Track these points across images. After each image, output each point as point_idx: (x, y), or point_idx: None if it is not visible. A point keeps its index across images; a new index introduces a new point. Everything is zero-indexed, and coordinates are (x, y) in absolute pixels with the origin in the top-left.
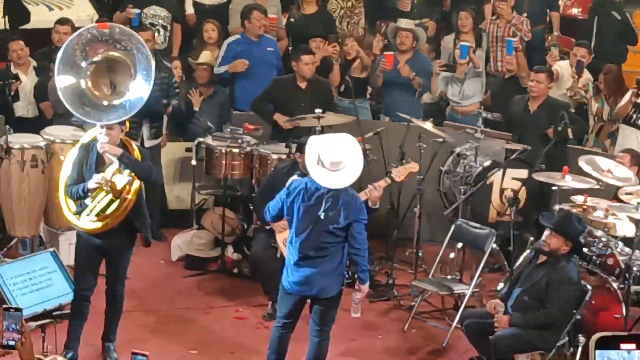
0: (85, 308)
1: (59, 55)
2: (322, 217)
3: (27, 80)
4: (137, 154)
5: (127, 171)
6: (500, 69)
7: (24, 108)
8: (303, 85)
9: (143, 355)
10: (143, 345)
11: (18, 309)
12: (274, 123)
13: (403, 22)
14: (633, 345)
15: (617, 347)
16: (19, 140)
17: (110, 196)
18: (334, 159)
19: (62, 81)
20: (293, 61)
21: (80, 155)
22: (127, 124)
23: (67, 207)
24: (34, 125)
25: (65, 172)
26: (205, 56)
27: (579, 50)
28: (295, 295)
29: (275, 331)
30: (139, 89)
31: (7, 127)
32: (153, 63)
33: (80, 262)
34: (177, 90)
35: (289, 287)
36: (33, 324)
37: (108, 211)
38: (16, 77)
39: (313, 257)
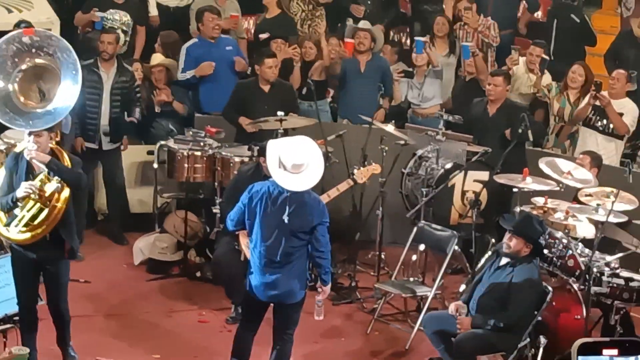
0: (33, 319)
1: None
2: (286, 221)
3: None
4: (67, 161)
5: (56, 178)
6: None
7: None
8: (266, 88)
9: None
10: (106, 350)
11: None
12: (238, 125)
13: (361, 22)
14: (615, 351)
15: (600, 353)
16: None
17: (38, 205)
18: (295, 161)
19: None
20: (256, 65)
21: (10, 165)
22: (58, 132)
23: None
24: None
25: None
26: (157, 58)
27: (534, 49)
28: (259, 300)
29: (238, 334)
30: (66, 94)
31: None
32: (79, 66)
33: (17, 277)
34: (138, 95)
35: (254, 291)
36: None
37: (37, 220)
38: None
39: (278, 261)
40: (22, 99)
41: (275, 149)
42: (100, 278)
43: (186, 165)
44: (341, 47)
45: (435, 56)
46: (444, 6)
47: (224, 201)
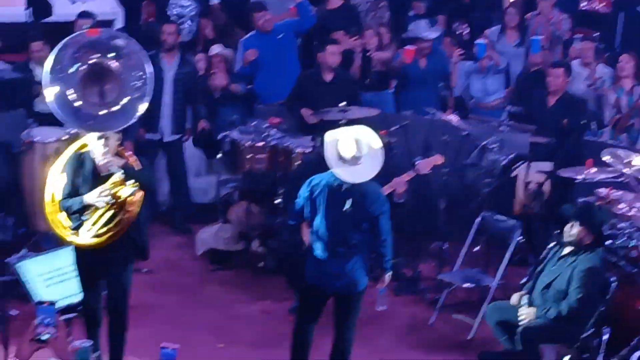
0: (98, 318)
1: (49, 64)
2: (348, 212)
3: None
4: (137, 164)
5: (130, 182)
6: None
7: (44, 103)
8: (328, 78)
9: (173, 348)
10: (168, 339)
11: (52, 303)
12: (300, 116)
13: (424, 33)
14: None
15: None
16: (41, 133)
17: (111, 209)
18: (354, 152)
19: (52, 92)
20: (318, 53)
21: (73, 167)
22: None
23: (60, 223)
24: (55, 119)
25: (54, 184)
26: (215, 48)
27: (586, 43)
28: (321, 291)
29: (299, 325)
30: (136, 101)
31: (30, 120)
32: (149, 68)
33: (82, 277)
34: (200, 87)
35: (316, 282)
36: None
37: (110, 225)
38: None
39: (341, 252)
40: (86, 101)
41: (334, 140)
42: (163, 268)
43: (249, 155)
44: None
45: (498, 56)
46: None
47: (288, 191)
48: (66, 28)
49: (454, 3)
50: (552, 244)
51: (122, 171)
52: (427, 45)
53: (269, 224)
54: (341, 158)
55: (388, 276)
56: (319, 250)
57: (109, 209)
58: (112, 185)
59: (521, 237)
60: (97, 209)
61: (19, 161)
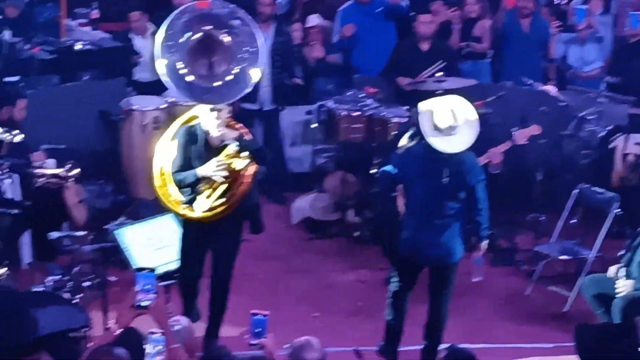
0: (198, 288)
1: (160, 37)
2: (444, 182)
3: (146, 44)
4: (248, 134)
5: (244, 154)
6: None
7: (143, 72)
8: (425, 47)
9: (263, 315)
10: (263, 307)
11: (152, 270)
12: (397, 85)
13: None
14: None
15: None
16: (140, 102)
17: (225, 182)
18: (449, 122)
19: (162, 64)
20: (413, 23)
21: (184, 140)
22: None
23: (171, 196)
24: (154, 87)
25: (162, 157)
26: (313, 19)
27: None
28: (416, 261)
29: (394, 295)
30: (247, 69)
31: (129, 89)
32: (260, 39)
33: (185, 252)
34: (296, 56)
35: (411, 252)
36: None
37: (225, 198)
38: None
39: (436, 222)
40: (197, 73)
41: (428, 110)
42: (258, 237)
43: (345, 125)
44: None
45: (596, 23)
46: None
47: (383, 161)
48: None
49: None
50: None
51: (237, 143)
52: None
53: (364, 193)
54: (437, 128)
55: (484, 245)
56: (414, 219)
57: (222, 183)
58: (227, 157)
59: (619, 209)
60: (211, 181)
61: (118, 129)
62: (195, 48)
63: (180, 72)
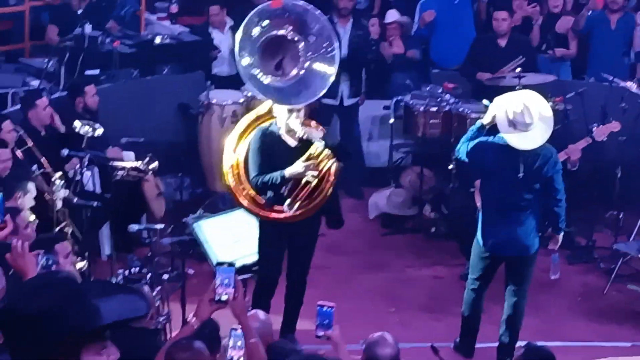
0: (275, 286)
1: (239, 35)
2: (520, 176)
3: (224, 39)
4: (323, 130)
5: (326, 152)
6: None
7: (222, 66)
8: (503, 42)
9: (330, 306)
10: (339, 301)
11: (231, 264)
12: (475, 81)
13: None
14: None
15: None
16: (219, 96)
17: (311, 182)
18: (525, 119)
19: (244, 63)
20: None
21: (262, 141)
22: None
23: (249, 196)
24: (232, 82)
25: (234, 155)
26: (392, 15)
27: None
28: (493, 255)
29: (470, 291)
30: (321, 70)
31: (208, 82)
32: (336, 42)
33: (265, 250)
34: (373, 48)
35: (487, 247)
36: None
37: (314, 196)
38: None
39: (513, 215)
40: (263, 73)
41: (503, 106)
42: (334, 231)
43: (422, 120)
44: None
45: None
46: None
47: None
48: None
49: None
50: None
51: (323, 142)
52: None
53: (441, 189)
54: (512, 124)
55: (560, 237)
56: (490, 213)
57: (309, 183)
58: (314, 156)
59: None
60: (298, 181)
61: (197, 123)
62: (271, 48)
63: (258, 77)
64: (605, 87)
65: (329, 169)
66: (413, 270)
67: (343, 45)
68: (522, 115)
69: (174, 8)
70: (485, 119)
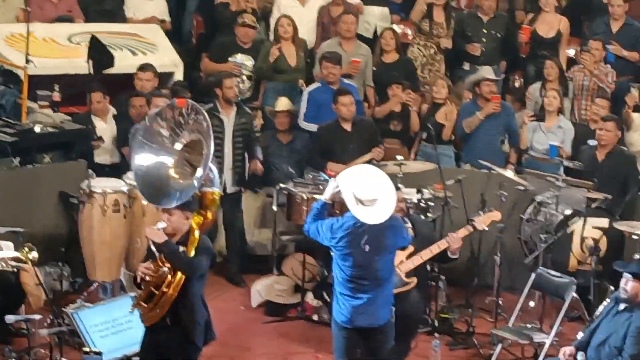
0: None
1: (141, 132)
2: (366, 250)
3: (107, 128)
4: (193, 245)
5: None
6: (585, 117)
7: (104, 155)
8: (348, 127)
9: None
10: None
11: (97, 353)
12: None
13: (484, 69)
14: None
15: None
16: (101, 184)
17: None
18: (370, 196)
19: (142, 160)
20: (332, 104)
21: None
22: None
23: None
24: (114, 170)
25: None
26: (283, 104)
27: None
28: (351, 329)
29: None
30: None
31: (90, 171)
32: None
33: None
34: (257, 135)
35: (345, 323)
36: None
37: (149, 304)
38: (100, 138)
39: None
40: (176, 175)
41: (349, 184)
42: (218, 319)
43: (305, 208)
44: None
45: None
46: (560, 51)
47: None
48: (126, 79)
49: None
50: (607, 301)
51: (155, 249)
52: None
53: (324, 276)
54: (360, 202)
55: None
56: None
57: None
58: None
59: (576, 293)
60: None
61: (78, 211)
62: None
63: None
64: (484, 175)
65: (164, 279)
66: (297, 358)
67: (227, 133)
68: (366, 192)
69: (56, 96)
70: (325, 196)
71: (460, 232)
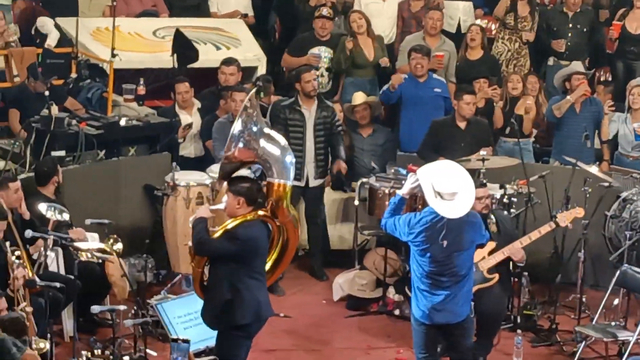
0: None
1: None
2: (444, 245)
3: (192, 121)
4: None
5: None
6: None
7: (188, 148)
8: (462, 125)
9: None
10: None
11: (186, 341)
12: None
13: (574, 64)
14: None
15: None
16: (185, 177)
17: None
18: (450, 189)
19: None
20: (454, 100)
21: None
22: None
23: None
24: (198, 163)
25: None
26: (360, 97)
27: None
28: (430, 325)
29: None
30: None
31: (174, 164)
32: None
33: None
34: (339, 129)
35: (424, 318)
36: None
37: None
38: (189, 125)
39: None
40: None
41: (428, 178)
42: (300, 313)
43: (387, 202)
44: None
45: None
46: None
47: None
48: (210, 74)
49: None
50: None
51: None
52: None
53: (405, 271)
54: (439, 196)
55: None
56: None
57: None
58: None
59: None
60: None
61: (162, 204)
62: None
63: None
64: (568, 171)
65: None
66: (378, 353)
67: (309, 127)
68: (446, 186)
69: (141, 90)
70: (403, 191)
71: (543, 229)
